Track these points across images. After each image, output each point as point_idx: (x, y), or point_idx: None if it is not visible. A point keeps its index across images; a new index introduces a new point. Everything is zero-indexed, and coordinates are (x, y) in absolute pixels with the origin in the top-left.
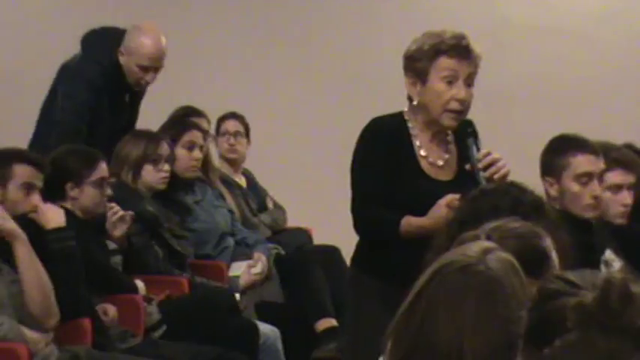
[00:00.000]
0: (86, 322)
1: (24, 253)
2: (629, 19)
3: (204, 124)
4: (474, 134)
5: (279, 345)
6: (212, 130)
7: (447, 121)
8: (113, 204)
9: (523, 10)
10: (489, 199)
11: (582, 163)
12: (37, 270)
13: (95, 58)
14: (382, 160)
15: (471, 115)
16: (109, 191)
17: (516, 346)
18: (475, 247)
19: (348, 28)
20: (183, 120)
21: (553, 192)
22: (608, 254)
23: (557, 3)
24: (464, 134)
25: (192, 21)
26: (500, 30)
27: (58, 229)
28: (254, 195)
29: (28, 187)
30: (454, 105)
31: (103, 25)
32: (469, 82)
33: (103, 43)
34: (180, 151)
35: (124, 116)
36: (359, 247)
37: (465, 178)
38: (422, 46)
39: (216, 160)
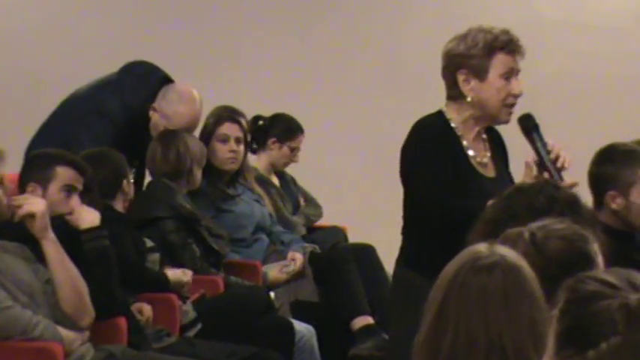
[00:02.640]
0: (121, 322)
1: (53, 252)
2: None
3: (243, 123)
4: (537, 127)
5: (315, 343)
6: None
7: (505, 116)
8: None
9: (557, 6)
10: (524, 197)
11: None
12: (67, 269)
13: (127, 101)
14: (442, 157)
15: None
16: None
17: (543, 335)
18: (481, 245)
19: (382, 28)
20: (217, 114)
21: (615, 205)
22: None
23: (591, 0)
24: (528, 127)
25: (231, 20)
26: (534, 27)
27: (92, 229)
28: (288, 194)
29: (69, 190)
30: (511, 100)
31: (148, 62)
32: (518, 75)
33: (140, 89)
34: (216, 145)
35: (139, 152)
36: (407, 246)
37: (504, 175)
38: (475, 44)
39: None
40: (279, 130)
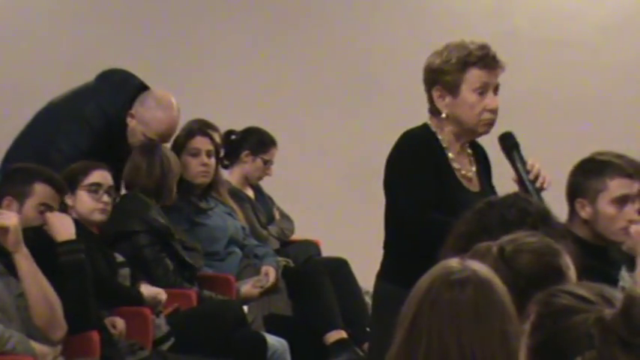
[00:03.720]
0: (94, 335)
1: (25, 266)
2: (633, 29)
3: (215, 137)
4: (517, 146)
5: (288, 357)
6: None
7: (482, 129)
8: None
9: (530, 21)
10: (496, 210)
11: (619, 186)
12: (40, 283)
13: (105, 110)
14: (426, 170)
15: None
16: None
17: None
18: (453, 260)
19: (358, 41)
20: (188, 127)
21: (584, 214)
22: (623, 272)
23: (563, 15)
24: (508, 147)
25: (203, 34)
26: (508, 41)
27: (68, 242)
28: (262, 207)
29: (44, 208)
30: (487, 115)
31: (124, 70)
32: (496, 90)
33: (118, 96)
34: (187, 159)
35: (117, 159)
36: (388, 259)
37: (488, 190)
38: (449, 59)
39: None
40: (252, 143)
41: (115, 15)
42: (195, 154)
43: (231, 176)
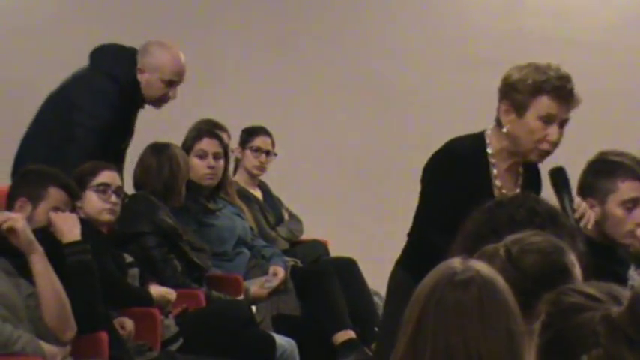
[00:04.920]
0: (103, 336)
1: (41, 266)
2: None
3: (224, 137)
4: (567, 183)
5: (297, 357)
6: (235, 143)
7: (535, 157)
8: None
9: (538, 21)
10: (505, 210)
11: (630, 189)
12: (53, 283)
13: (112, 75)
14: (460, 189)
15: (486, 126)
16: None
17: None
18: (456, 260)
19: (365, 43)
20: (196, 129)
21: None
22: (631, 271)
23: (571, 14)
24: (558, 183)
25: (214, 35)
26: (516, 40)
27: (75, 243)
28: (270, 207)
29: (57, 212)
30: (545, 146)
31: (112, 42)
32: (564, 124)
33: (119, 60)
34: (194, 160)
35: (130, 134)
36: (410, 250)
37: None
38: (525, 79)
39: (232, 170)
40: (240, 138)
41: (123, 15)
42: (202, 156)
43: (237, 177)
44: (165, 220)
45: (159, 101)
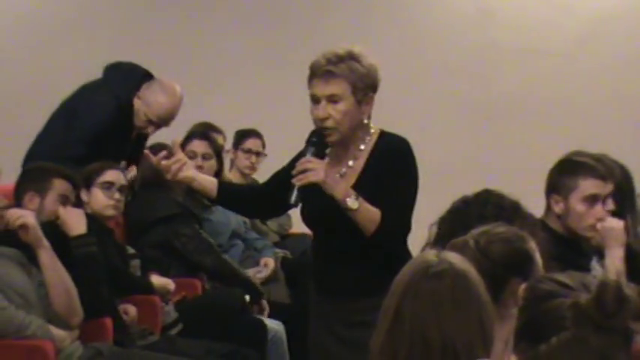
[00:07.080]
0: (108, 321)
1: (47, 259)
2: (608, 41)
3: (219, 139)
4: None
5: (284, 337)
6: (229, 145)
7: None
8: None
9: (510, 32)
10: (474, 208)
11: (591, 186)
12: (60, 274)
13: (115, 92)
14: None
15: (458, 132)
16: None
17: (490, 338)
18: (430, 253)
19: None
20: (190, 131)
21: (557, 209)
22: (594, 263)
23: (541, 26)
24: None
25: (210, 38)
26: (489, 51)
27: (82, 236)
28: None
29: (64, 200)
30: (328, 123)
31: (130, 62)
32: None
33: (127, 80)
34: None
35: (126, 149)
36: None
37: None
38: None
39: (226, 170)
40: (233, 140)
41: (121, 22)
42: (192, 156)
43: (231, 175)
44: (181, 202)
45: (137, 128)
